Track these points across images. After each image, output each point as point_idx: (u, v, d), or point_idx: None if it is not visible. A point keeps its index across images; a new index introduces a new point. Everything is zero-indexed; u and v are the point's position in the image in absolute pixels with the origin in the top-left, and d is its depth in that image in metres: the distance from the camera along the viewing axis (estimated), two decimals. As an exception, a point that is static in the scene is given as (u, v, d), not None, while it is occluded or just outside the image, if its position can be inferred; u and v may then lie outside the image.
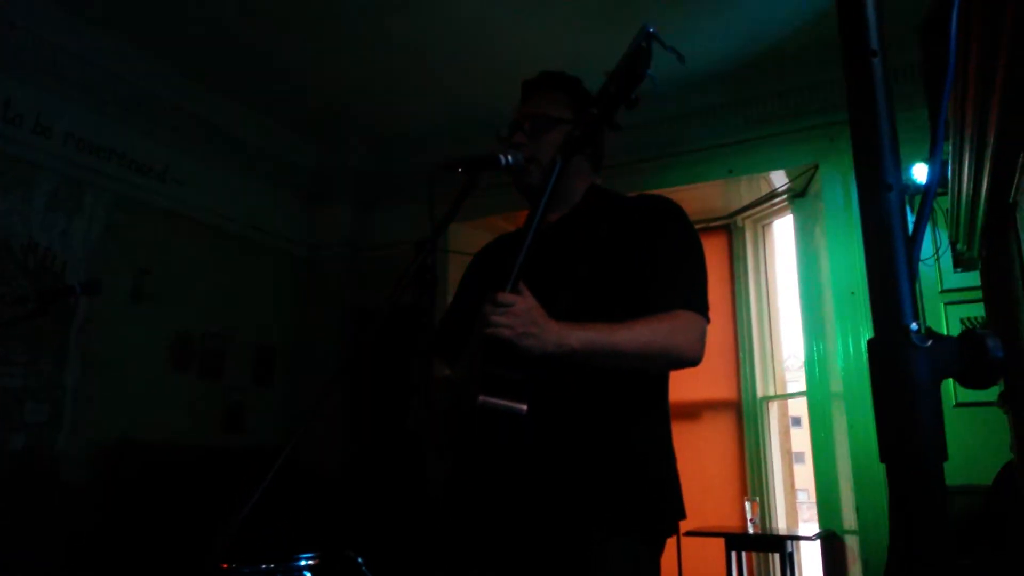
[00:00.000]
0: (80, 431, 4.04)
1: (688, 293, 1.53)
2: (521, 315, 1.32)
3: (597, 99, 1.32)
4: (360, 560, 3.26)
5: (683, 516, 1.58)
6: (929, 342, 0.68)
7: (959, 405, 3.63)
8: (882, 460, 0.69)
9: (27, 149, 3.93)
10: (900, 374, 0.67)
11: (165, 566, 3.68)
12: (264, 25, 4.15)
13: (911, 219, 0.73)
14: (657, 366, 1.58)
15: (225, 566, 2.88)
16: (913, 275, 0.72)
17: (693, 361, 1.51)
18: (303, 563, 3.13)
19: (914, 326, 0.69)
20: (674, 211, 1.65)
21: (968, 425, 3.56)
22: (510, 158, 1.58)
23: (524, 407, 1.29)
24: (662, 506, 1.55)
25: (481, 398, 1.28)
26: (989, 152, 2.13)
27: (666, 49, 1.26)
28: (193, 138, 4.85)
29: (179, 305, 4.68)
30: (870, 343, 0.71)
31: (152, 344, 4.51)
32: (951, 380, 0.70)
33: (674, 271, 1.55)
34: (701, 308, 1.53)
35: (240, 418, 5.02)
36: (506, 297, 1.32)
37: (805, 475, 5.35)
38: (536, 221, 1.35)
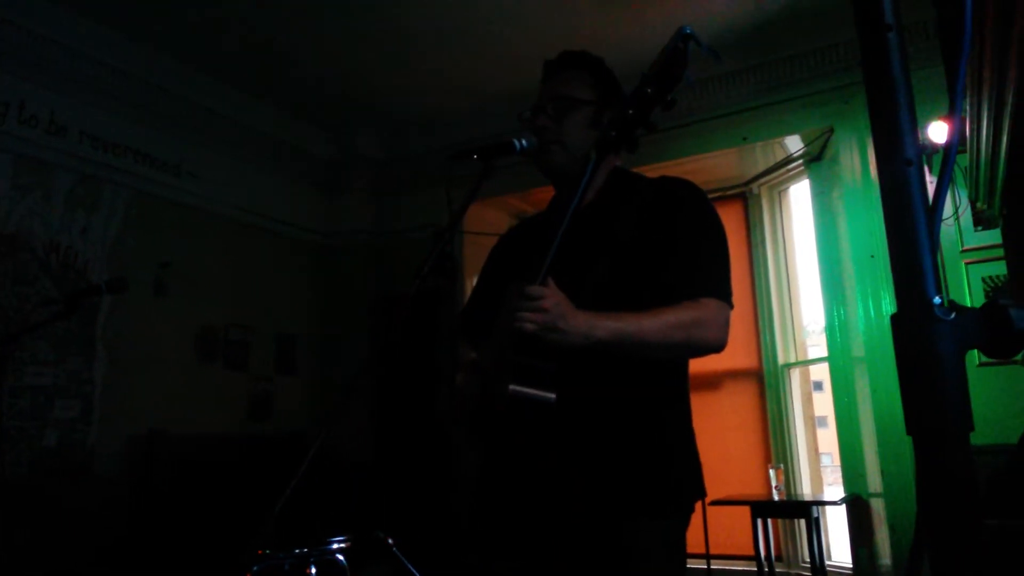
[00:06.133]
0: (111, 425, 4.11)
1: (712, 280, 1.54)
2: (550, 309, 1.34)
3: (633, 99, 1.30)
4: (391, 541, 3.31)
5: (704, 495, 1.62)
6: (952, 315, 0.69)
7: (983, 365, 3.61)
8: (909, 433, 0.69)
9: (43, 149, 3.97)
10: (924, 349, 0.68)
11: (199, 555, 3.75)
12: (276, 17, 4.14)
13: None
14: (682, 354, 1.60)
15: (260, 552, 2.94)
16: (935, 247, 0.72)
17: (717, 349, 1.53)
18: (335, 547, 3.18)
19: (937, 299, 0.69)
20: (697, 196, 1.65)
21: (992, 385, 3.55)
22: (524, 142, 1.58)
23: (553, 396, 1.32)
24: (686, 487, 1.58)
25: (511, 387, 1.30)
26: (1008, 110, 2.10)
27: (703, 50, 1.23)
28: (206, 131, 4.87)
29: (201, 298, 4.73)
30: (893, 318, 0.71)
31: (177, 337, 4.58)
32: (973, 341, 0.70)
33: (698, 258, 1.56)
34: (725, 295, 1.54)
35: (266, 407, 5.09)
36: (535, 290, 1.34)
37: (828, 439, 5.35)
38: (569, 215, 1.35)
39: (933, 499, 0.67)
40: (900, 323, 0.70)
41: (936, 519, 0.66)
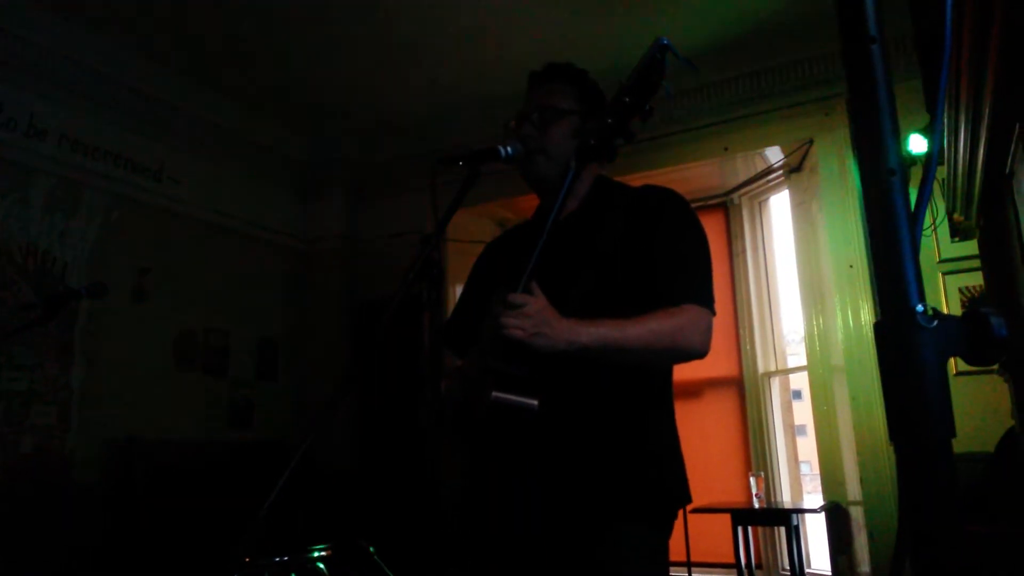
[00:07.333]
0: (88, 431, 4.06)
1: (694, 287, 1.55)
2: (533, 315, 1.35)
3: (612, 109, 1.32)
4: (372, 549, 3.30)
5: (689, 501, 1.62)
6: (935, 323, 0.69)
7: (960, 374, 3.65)
8: (892, 440, 0.70)
9: (22, 153, 3.92)
10: (907, 356, 0.68)
11: (178, 562, 3.71)
12: (256, 23, 4.13)
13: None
14: (665, 360, 1.61)
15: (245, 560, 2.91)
16: (917, 256, 0.73)
17: (700, 355, 1.54)
18: (316, 554, 3.16)
19: (920, 307, 0.70)
20: (680, 204, 1.67)
21: (970, 394, 3.59)
22: (509, 149, 1.59)
23: (535, 403, 1.32)
24: (670, 494, 1.58)
25: (494, 394, 1.30)
26: (985, 123, 2.14)
27: (680, 60, 1.26)
28: (187, 136, 4.84)
29: (180, 303, 4.69)
30: (877, 326, 0.72)
31: (156, 343, 4.53)
32: (951, 350, 0.71)
33: (680, 265, 1.57)
34: (707, 302, 1.55)
35: (246, 413, 5.04)
36: (518, 297, 1.35)
37: (808, 447, 5.39)
38: (549, 224, 1.36)
39: (915, 506, 0.67)
40: (883, 331, 0.71)
41: (918, 526, 0.67)
